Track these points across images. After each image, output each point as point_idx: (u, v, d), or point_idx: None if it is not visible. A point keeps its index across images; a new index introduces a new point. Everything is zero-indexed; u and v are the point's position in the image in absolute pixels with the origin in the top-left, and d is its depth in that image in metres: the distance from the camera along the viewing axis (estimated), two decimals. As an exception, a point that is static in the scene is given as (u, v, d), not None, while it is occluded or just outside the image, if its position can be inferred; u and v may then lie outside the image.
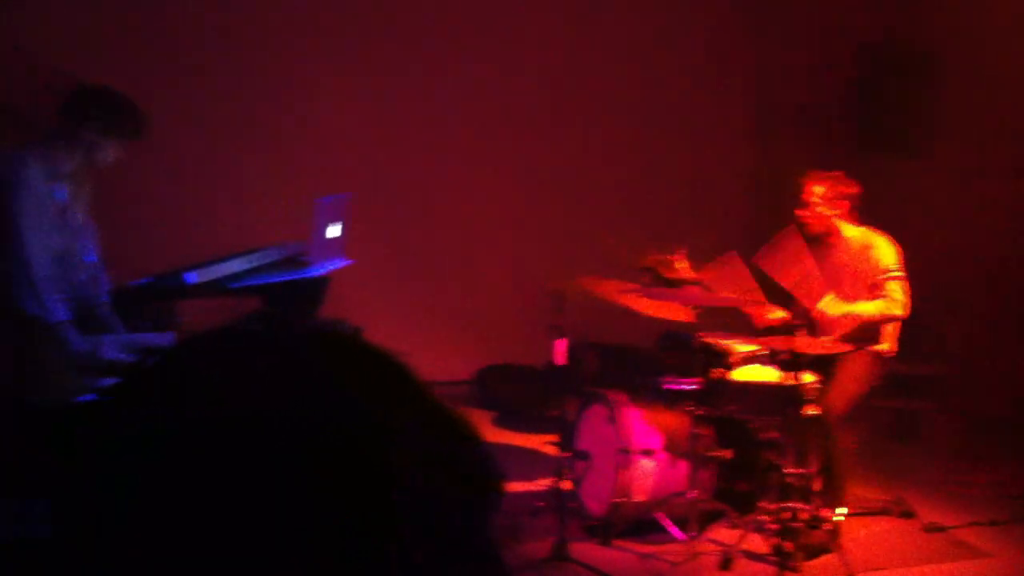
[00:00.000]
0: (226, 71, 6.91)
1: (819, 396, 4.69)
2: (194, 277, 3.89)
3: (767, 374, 4.82)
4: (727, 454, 4.77)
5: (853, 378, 4.78)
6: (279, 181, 6.96)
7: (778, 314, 4.98)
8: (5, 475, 3.67)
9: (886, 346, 4.91)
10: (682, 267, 5.00)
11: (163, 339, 4.15)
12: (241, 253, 4.27)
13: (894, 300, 4.78)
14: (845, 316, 4.78)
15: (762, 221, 8.10)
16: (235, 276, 4.10)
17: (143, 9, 6.71)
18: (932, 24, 7.24)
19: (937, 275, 5.58)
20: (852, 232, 4.97)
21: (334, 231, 4.50)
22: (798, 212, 4.98)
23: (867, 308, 4.80)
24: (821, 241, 4.97)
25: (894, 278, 4.83)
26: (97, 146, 3.94)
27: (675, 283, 5.04)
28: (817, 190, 4.94)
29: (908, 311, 4.80)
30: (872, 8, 7.59)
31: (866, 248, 4.92)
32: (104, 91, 4.03)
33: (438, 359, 7.47)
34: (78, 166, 3.94)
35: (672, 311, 5.01)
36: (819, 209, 4.93)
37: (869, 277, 4.87)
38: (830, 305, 4.80)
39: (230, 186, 6.86)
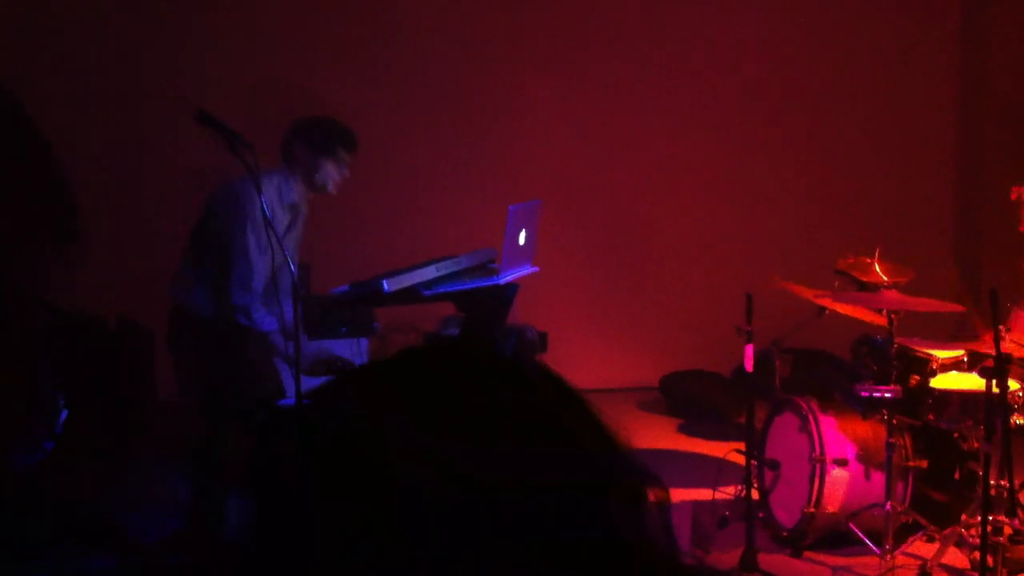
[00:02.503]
0: (419, 78, 7.11)
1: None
2: (390, 284, 4.04)
3: (970, 381, 4.63)
4: (923, 464, 4.61)
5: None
6: (469, 187, 7.12)
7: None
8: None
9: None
10: (878, 270, 4.85)
11: (358, 346, 4.34)
12: (434, 260, 4.41)
13: None
14: None
15: (966, 221, 7.80)
16: (428, 283, 4.24)
17: (334, 12, 6.98)
18: None
19: None
20: None
21: (524, 238, 4.58)
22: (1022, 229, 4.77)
23: None
24: None
25: None
26: (312, 168, 4.21)
27: (871, 287, 4.90)
28: None
29: None
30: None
31: None
32: (310, 117, 4.31)
33: (622, 364, 7.51)
34: (301, 194, 4.23)
35: (867, 315, 4.87)
36: None
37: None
38: None
39: (422, 193, 7.05)
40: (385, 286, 4.03)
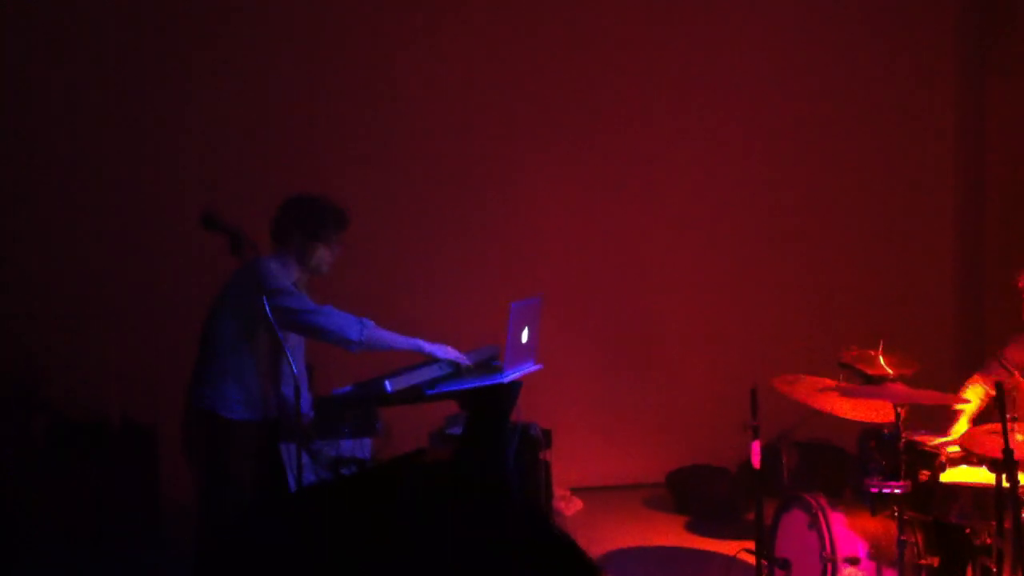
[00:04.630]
0: (416, 176, 7.18)
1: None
2: (392, 384, 4.02)
3: (980, 475, 4.57)
4: (936, 561, 4.53)
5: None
6: (470, 285, 7.13)
7: (959, 430, 4.80)
8: None
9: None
10: (883, 362, 4.83)
11: (361, 445, 4.30)
12: (436, 360, 4.39)
13: None
14: None
15: (970, 312, 7.80)
16: (431, 382, 4.22)
17: (338, 109, 7.07)
18: None
19: None
20: None
21: (526, 335, 4.57)
22: None
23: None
24: None
25: None
26: (306, 252, 4.21)
27: (877, 380, 4.87)
28: None
29: None
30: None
31: None
32: (299, 198, 4.31)
33: (628, 461, 7.44)
34: (298, 278, 4.22)
35: (874, 411, 4.83)
36: None
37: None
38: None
39: (423, 291, 7.06)
40: (387, 386, 4.01)
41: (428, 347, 4.34)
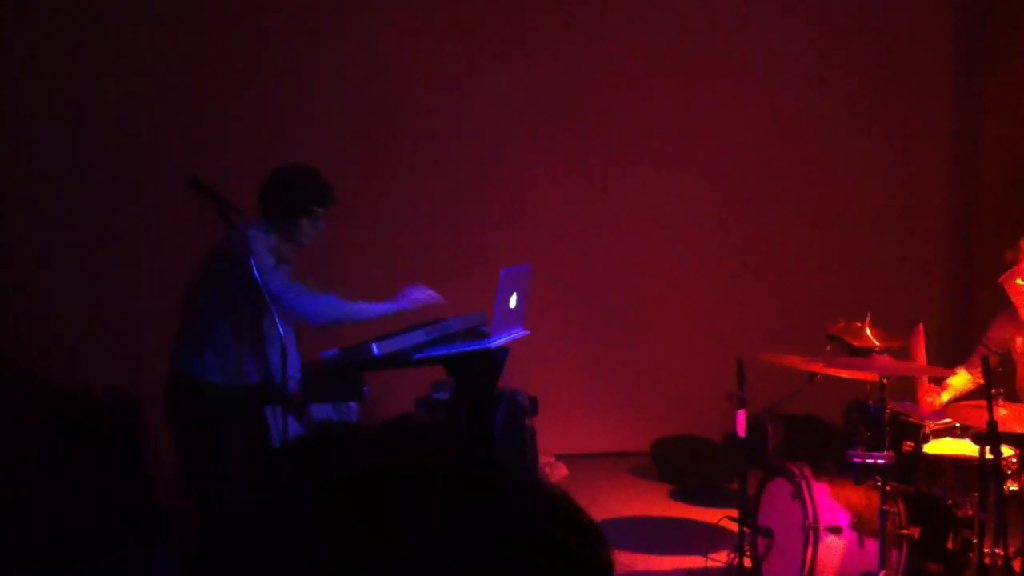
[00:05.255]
0: (411, 143, 7.15)
1: (1019, 470, 4.44)
2: (379, 348, 4.01)
3: (963, 447, 4.60)
4: (917, 532, 4.56)
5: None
6: (460, 251, 7.12)
7: (944, 397, 4.83)
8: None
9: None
10: (869, 334, 4.85)
11: (348, 410, 4.30)
12: (424, 324, 4.39)
13: None
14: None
15: (960, 301, 7.82)
16: (418, 347, 4.21)
17: (333, 79, 7.03)
18: None
19: None
20: None
21: (515, 301, 4.57)
22: (1001, 280, 4.79)
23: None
24: None
25: None
26: (288, 224, 4.19)
27: (863, 351, 4.88)
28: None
29: None
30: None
31: None
32: (290, 168, 4.28)
33: (614, 429, 7.46)
34: (277, 245, 4.20)
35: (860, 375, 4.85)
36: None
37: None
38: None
39: (413, 257, 7.05)
40: (375, 350, 4.00)
41: (394, 306, 4.34)
